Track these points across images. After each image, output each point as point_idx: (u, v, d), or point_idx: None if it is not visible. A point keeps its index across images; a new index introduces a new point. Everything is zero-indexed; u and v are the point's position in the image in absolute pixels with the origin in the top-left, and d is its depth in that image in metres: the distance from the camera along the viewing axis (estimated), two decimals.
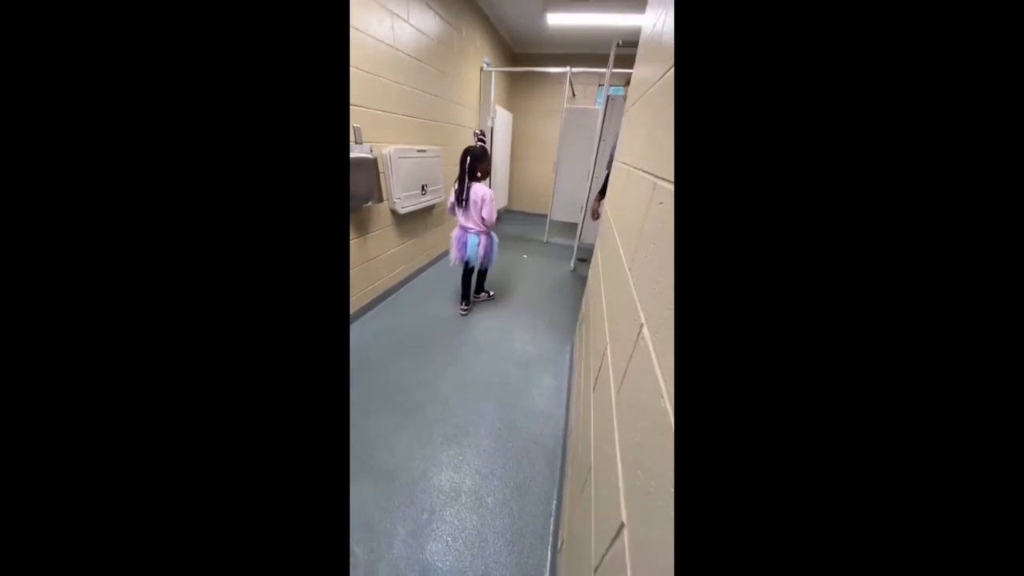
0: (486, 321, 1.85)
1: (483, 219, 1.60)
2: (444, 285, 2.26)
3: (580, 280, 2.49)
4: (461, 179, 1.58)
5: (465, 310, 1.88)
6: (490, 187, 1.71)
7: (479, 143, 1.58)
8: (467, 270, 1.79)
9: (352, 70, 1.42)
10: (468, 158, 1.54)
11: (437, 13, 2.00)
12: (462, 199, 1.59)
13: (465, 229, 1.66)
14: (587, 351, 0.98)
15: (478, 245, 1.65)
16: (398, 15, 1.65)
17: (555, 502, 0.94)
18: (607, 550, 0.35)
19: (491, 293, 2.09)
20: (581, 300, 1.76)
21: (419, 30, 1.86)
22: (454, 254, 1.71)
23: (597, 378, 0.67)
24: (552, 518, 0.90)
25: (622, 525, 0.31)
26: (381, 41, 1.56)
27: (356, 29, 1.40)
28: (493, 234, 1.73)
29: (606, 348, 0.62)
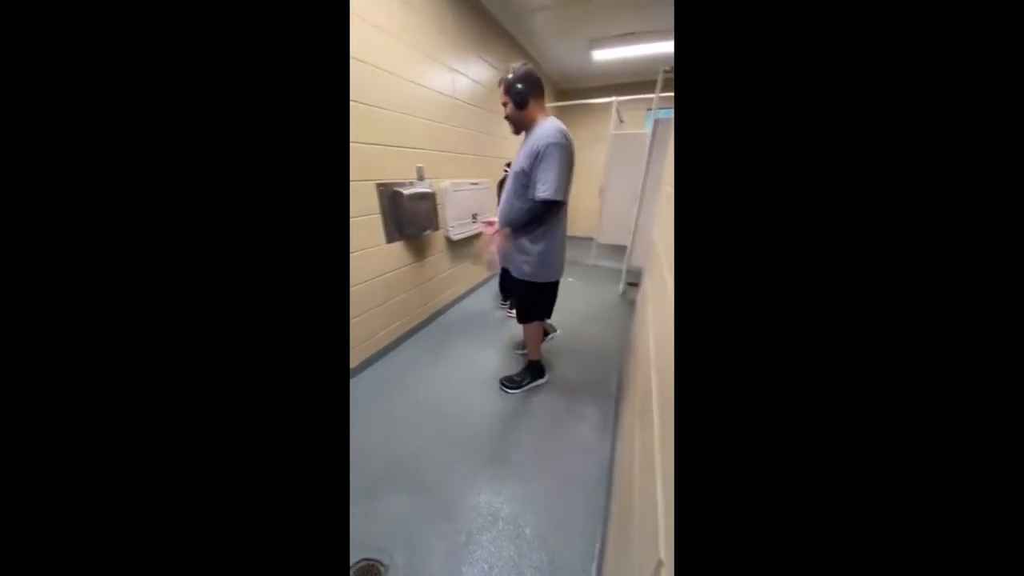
0: None
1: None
2: (490, 306, 2.34)
3: (629, 305, 2.38)
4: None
5: (503, 304, 2.29)
6: None
7: (504, 173, 1.95)
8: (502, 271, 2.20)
9: (418, 120, 1.65)
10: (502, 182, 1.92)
11: (491, 64, 2.25)
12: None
13: None
14: (634, 380, 0.93)
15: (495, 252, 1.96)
16: (457, 71, 1.89)
17: (598, 544, 0.86)
18: None
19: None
20: (630, 325, 1.68)
21: (475, 80, 2.10)
22: None
23: (641, 407, 0.63)
24: (595, 562, 0.82)
25: (659, 563, 0.29)
26: (441, 93, 1.80)
27: (421, 85, 1.64)
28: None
29: (650, 374, 0.59)
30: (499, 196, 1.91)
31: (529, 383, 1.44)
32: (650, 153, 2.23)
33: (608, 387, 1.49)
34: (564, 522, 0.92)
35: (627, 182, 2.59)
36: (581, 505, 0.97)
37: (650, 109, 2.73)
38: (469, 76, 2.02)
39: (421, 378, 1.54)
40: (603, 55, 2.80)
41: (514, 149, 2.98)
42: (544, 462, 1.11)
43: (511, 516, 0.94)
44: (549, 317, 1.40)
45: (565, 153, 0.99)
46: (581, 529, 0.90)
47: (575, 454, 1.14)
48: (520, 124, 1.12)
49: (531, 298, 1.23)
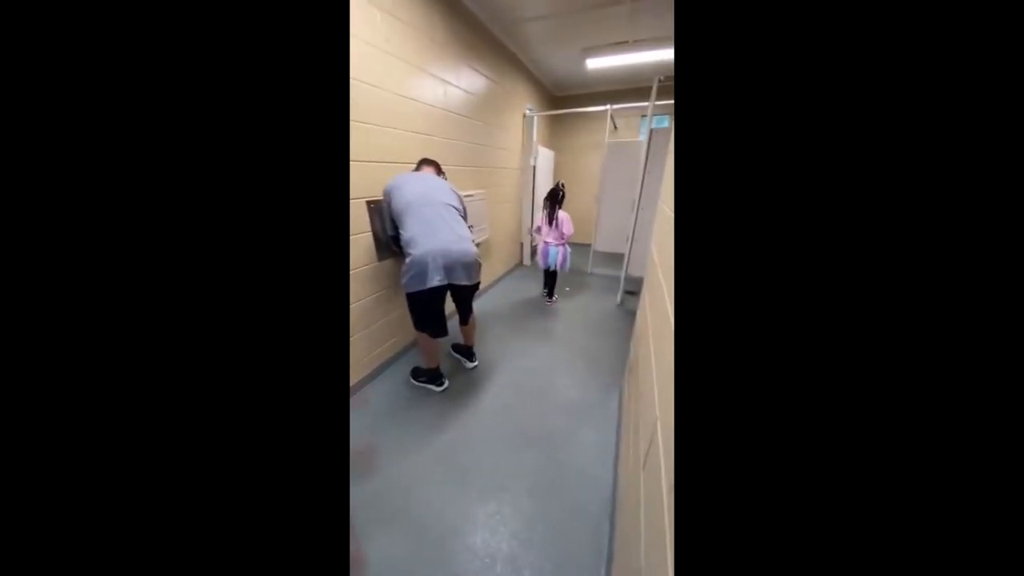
0: (524, 357, 1.81)
1: (563, 234, 2.24)
2: (484, 321, 2.28)
3: (628, 315, 2.33)
4: (551, 209, 2.25)
5: (550, 301, 2.54)
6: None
7: (560, 188, 2.27)
8: (548, 273, 2.45)
9: (408, 134, 1.61)
10: (559, 195, 2.24)
11: (482, 74, 2.22)
12: (552, 221, 2.25)
13: (547, 243, 2.29)
14: (636, 411, 0.88)
15: (557, 254, 2.28)
16: (448, 82, 1.86)
17: None
18: None
19: (554, 297, 2.57)
20: (629, 338, 1.63)
21: (466, 91, 2.06)
22: (540, 261, 2.38)
23: (647, 455, 0.58)
24: None
25: None
26: (433, 106, 1.76)
27: (411, 99, 1.60)
28: (567, 247, 2.29)
29: (656, 420, 0.54)
30: (552, 201, 2.23)
31: (424, 382, 1.54)
32: (646, 162, 2.20)
33: (607, 408, 1.44)
34: (566, 564, 0.86)
35: (624, 189, 2.56)
36: (583, 543, 0.91)
37: (644, 116, 2.72)
38: (460, 87, 1.99)
39: (408, 402, 1.48)
40: (596, 63, 2.79)
41: (512, 160, 2.95)
42: (545, 492, 1.05)
43: (510, 557, 0.88)
44: (435, 332, 1.37)
45: (384, 201, 1.33)
46: (585, 565, 0.85)
47: (576, 483, 1.09)
48: None
49: (408, 306, 1.36)
